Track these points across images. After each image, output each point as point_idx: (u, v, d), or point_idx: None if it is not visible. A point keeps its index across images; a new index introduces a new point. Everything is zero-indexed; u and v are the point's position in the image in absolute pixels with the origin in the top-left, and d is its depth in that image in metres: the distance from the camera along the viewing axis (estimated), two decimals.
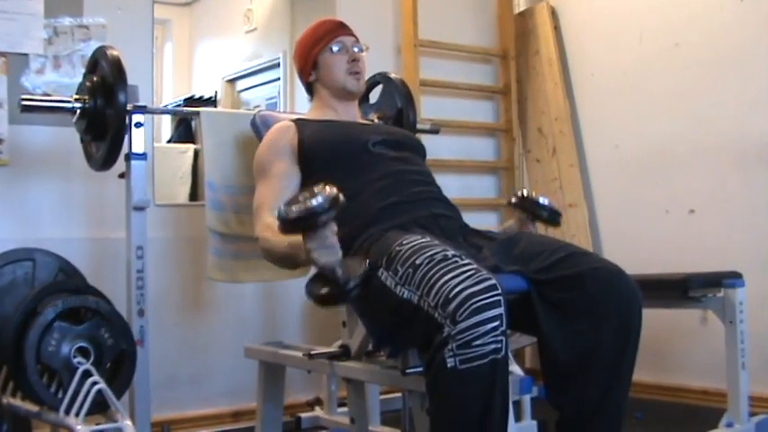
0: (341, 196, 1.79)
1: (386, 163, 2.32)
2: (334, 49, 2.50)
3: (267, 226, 2.21)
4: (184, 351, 3.33)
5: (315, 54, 2.51)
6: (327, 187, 1.79)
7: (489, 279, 1.74)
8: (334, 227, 1.84)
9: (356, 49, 2.52)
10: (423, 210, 2.22)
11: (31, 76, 3.03)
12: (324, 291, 1.88)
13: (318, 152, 2.33)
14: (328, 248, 1.83)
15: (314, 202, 1.76)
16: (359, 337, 2.29)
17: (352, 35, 2.55)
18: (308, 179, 2.30)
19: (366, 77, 2.60)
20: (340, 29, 2.54)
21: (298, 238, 1.87)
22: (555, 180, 4.23)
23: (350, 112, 2.55)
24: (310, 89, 2.60)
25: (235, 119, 2.83)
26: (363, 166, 2.30)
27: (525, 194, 2.52)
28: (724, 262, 3.17)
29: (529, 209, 2.51)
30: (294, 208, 1.77)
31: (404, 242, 1.94)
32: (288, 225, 1.80)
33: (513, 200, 2.55)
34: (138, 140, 2.64)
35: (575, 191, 4.15)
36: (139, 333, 2.58)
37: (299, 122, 2.44)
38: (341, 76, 2.49)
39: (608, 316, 1.96)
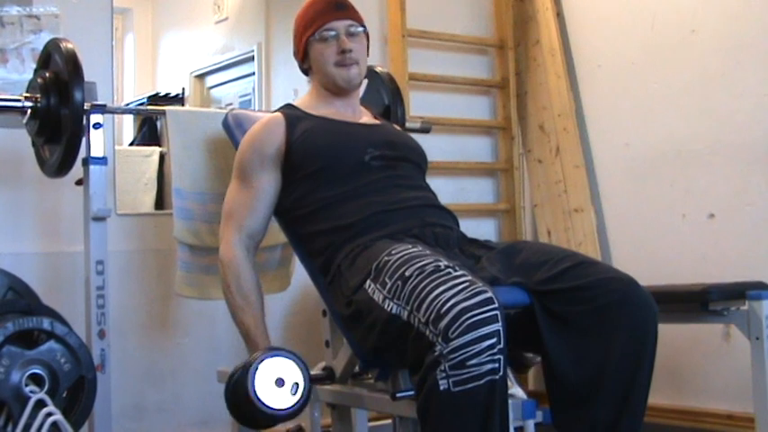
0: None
1: (378, 175, 2.30)
2: (324, 36, 2.39)
3: (232, 260, 2.30)
4: (150, 377, 3.31)
5: (305, 41, 2.43)
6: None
7: (485, 292, 1.74)
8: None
9: (353, 30, 2.41)
10: (414, 218, 2.22)
11: None
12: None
13: (305, 160, 2.30)
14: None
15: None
16: (344, 358, 2.30)
17: (347, 17, 2.42)
18: (290, 185, 2.32)
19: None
20: (331, 11, 2.42)
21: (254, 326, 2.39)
22: (559, 182, 4.24)
23: (349, 106, 2.47)
24: (308, 74, 2.52)
25: (204, 119, 2.83)
26: (354, 178, 2.28)
27: None
28: (748, 271, 3.19)
29: None
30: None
31: (392, 252, 1.95)
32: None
33: None
34: (96, 143, 2.64)
35: (580, 194, 4.16)
36: (100, 357, 2.58)
37: (291, 117, 2.38)
38: (329, 69, 2.40)
39: (620, 332, 1.95)
